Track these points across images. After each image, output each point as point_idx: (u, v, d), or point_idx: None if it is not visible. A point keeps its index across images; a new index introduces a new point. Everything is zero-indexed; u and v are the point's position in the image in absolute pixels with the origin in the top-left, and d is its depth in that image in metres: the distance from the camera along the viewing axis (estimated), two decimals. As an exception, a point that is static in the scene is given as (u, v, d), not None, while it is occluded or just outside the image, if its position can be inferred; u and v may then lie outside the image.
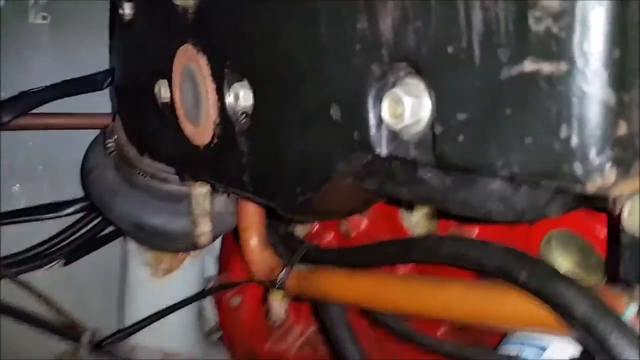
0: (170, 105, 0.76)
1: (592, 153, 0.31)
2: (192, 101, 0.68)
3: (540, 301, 0.51)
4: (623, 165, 0.31)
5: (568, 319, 0.48)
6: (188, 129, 0.71)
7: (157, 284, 1.13)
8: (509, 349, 0.69)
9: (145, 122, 0.85)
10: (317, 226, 1.07)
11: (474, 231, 0.80)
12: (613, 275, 0.53)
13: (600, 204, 0.46)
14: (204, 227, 0.89)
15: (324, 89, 0.48)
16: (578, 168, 0.31)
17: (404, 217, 0.89)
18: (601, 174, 0.31)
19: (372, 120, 0.44)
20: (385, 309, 0.72)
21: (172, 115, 0.76)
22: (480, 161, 0.36)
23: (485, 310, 0.59)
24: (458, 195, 0.43)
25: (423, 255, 0.63)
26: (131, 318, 1.16)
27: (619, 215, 0.44)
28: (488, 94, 0.35)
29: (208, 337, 1.34)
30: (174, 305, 0.86)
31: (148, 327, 1.15)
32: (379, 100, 0.44)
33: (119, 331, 0.79)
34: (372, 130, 0.45)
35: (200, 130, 0.68)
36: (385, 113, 0.42)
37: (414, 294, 0.66)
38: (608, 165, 0.31)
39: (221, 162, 0.67)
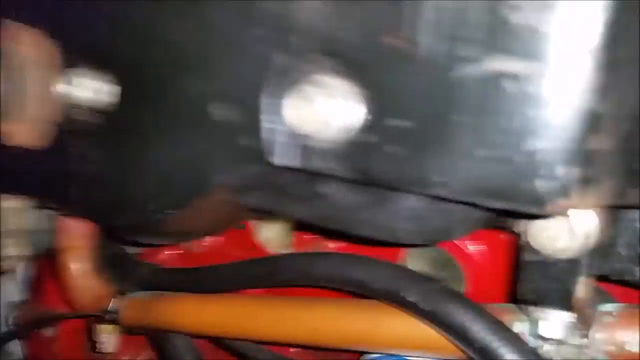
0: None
1: (560, 170, 0.26)
2: (7, 89, 0.51)
3: (430, 323, 0.46)
4: (587, 184, 0.26)
5: (463, 341, 0.43)
6: (4, 126, 0.53)
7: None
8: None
9: None
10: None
11: (330, 245, 0.74)
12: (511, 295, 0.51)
13: (503, 224, 0.42)
14: (10, 250, 0.70)
15: (204, 80, 0.37)
16: (541, 187, 0.26)
17: (258, 231, 0.80)
18: (565, 195, 0.26)
19: (266, 121, 0.35)
20: (247, 337, 0.62)
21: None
22: (414, 176, 0.29)
23: (362, 333, 0.53)
24: (364, 213, 0.36)
25: (293, 278, 0.55)
26: None
27: (520, 234, 0.41)
28: (435, 96, 0.28)
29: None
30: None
31: None
32: (276, 97, 0.34)
33: None
34: (266, 135, 0.35)
35: (20, 127, 0.51)
36: (289, 114, 0.33)
37: (280, 318, 0.58)
38: (575, 184, 0.26)
39: (45, 171, 0.51)
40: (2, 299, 0.98)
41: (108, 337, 0.73)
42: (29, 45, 0.47)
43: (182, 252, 0.90)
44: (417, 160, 0.29)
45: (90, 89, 0.45)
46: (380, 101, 0.30)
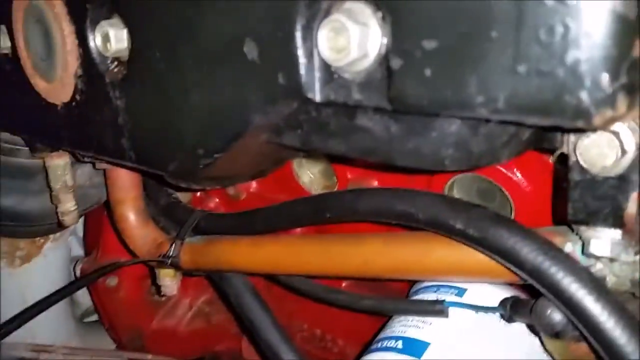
0: (12, 56, 0.59)
1: (605, 80, 0.25)
2: (43, 49, 0.53)
3: (480, 248, 0.46)
4: (633, 93, 0.25)
5: (514, 264, 0.44)
6: (40, 84, 0.55)
7: (15, 275, 0.94)
8: (424, 295, 0.66)
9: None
10: (199, 192, 0.96)
11: (374, 183, 0.75)
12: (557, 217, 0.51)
13: (548, 144, 0.42)
14: (68, 205, 0.74)
15: (234, 20, 0.37)
16: (586, 98, 0.25)
17: (299, 174, 0.81)
18: (612, 105, 0.25)
19: (302, 57, 0.35)
20: (300, 272, 0.65)
21: (16, 69, 0.59)
22: (453, 99, 0.29)
23: (413, 263, 0.54)
24: (407, 143, 0.36)
25: (340, 213, 0.56)
26: (-2, 316, 0.98)
27: (567, 154, 0.40)
28: (467, 12, 0.27)
29: (82, 321, 1.20)
30: (46, 300, 0.71)
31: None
32: (310, 31, 0.34)
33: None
34: (303, 71, 0.35)
35: (57, 85, 0.53)
36: (324, 47, 0.32)
37: (331, 253, 0.59)
38: (621, 94, 0.25)
39: (88, 124, 0.53)
40: (67, 255, 1.03)
41: (171, 281, 0.77)
42: (59, 1, 0.48)
43: (229, 199, 0.93)
44: (454, 81, 0.29)
45: (122, 39, 0.46)
46: (407, 23, 0.30)
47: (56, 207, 0.73)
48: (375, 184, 0.74)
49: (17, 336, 0.95)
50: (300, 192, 0.81)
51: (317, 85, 0.35)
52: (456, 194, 0.69)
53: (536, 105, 0.27)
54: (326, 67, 0.35)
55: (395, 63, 0.31)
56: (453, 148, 0.35)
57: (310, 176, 0.82)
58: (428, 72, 0.30)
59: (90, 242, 1.09)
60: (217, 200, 0.96)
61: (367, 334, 0.88)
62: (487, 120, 0.32)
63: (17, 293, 0.97)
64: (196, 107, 0.43)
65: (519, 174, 0.63)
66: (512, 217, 0.63)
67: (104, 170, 0.75)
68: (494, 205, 0.66)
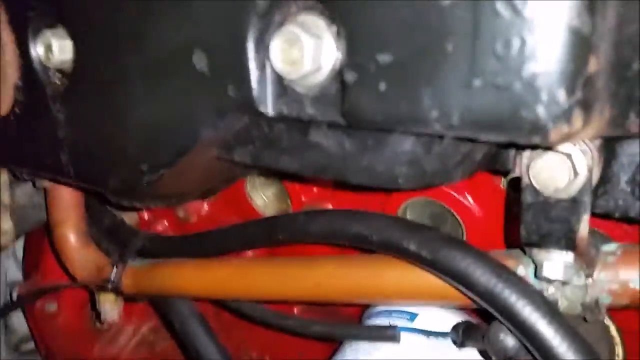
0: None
1: (561, 94, 0.24)
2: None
3: (433, 271, 0.45)
4: (589, 109, 0.25)
5: (467, 287, 0.43)
6: (-26, 96, 0.52)
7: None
8: (378, 320, 0.65)
9: None
10: (146, 214, 0.92)
11: (328, 206, 0.74)
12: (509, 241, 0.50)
13: (500, 166, 0.42)
14: (4, 225, 0.69)
15: (183, 30, 0.35)
16: (542, 113, 0.25)
17: (252, 197, 0.79)
18: (568, 120, 0.25)
19: (254, 69, 0.33)
20: (250, 296, 0.62)
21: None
22: (407, 114, 0.28)
23: (366, 286, 0.53)
24: (361, 161, 0.35)
25: (293, 235, 0.54)
26: None
27: (519, 177, 0.40)
28: (421, 25, 0.26)
29: (17, 349, 1.12)
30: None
31: None
32: (262, 43, 0.33)
33: None
34: (255, 83, 0.34)
35: (-5, 96, 0.50)
36: (277, 58, 0.31)
37: (282, 276, 0.57)
38: (577, 109, 0.25)
39: (26, 139, 0.50)
40: (3, 278, 0.97)
41: (111, 306, 0.73)
42: None
43: (178, 222, 0.89)
44: (409, 96, 0.28)
45: (66, 50, 0.44)
46: (361, 36, 0.29)
47: (-10, 227, 0.68)
48: (330, 207, 0.73)
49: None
50: (253, 215, 0.78)
51: (270, 99, 0.34)
52: (409, 217, 0.69)
53: (492, 121, 0.26)
54: (279, 80, 0.33)
55: (350, 77, 0.30)
56: (407, 166, 0.34)
57: (263, 199, 0.80)
58: (382, 86, 0.29)
59: (29, 265, 1.03)
60: (166, 223, 0.93)
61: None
62: (441, 138, 0.31)
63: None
64: (141, 120, 0.40)
65: (469, 198, 0.63)
66: (463, 240, 0.63)
67: (44, 189, 0.71)
68: (445, 229, 0.66)
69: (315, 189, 0.73)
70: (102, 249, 0.76)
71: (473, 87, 0.26)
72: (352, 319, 0.79)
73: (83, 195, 0.73)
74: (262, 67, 0.34)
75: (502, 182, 0.59)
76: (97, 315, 0.74)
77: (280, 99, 0.34)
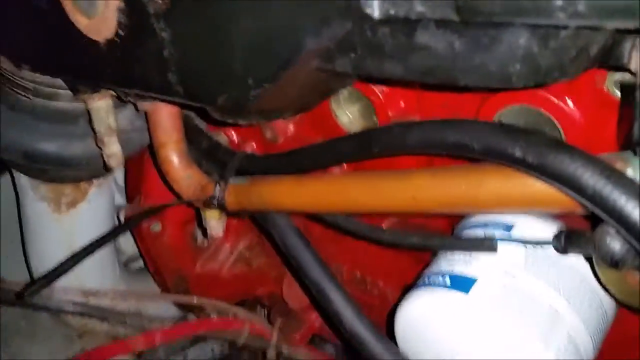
0: (52, -5, 0.58)
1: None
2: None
3: (539, 176, 0.45)
4: None
5: (575, 190, 0.42)
6: (81, 21, 0.55)
7: (61, 220, 0.97)
8: (472, 232, 0.65)
9: (16, 24, 0.66)
10: (235, 136, 0.96)
11: (417, 118, 0.73)
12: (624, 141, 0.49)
13: (614, 61, 0.39)
14: (113, 147, 0.74)
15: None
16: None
17: (338, 115, 0.80)
18: None
19: (360, -30, 0.33)
20: (345, 210, 0.64)
21: (54, 7, 0.58)
22: (529, 3, 0.27)
23: (465, 196, 0.53)
24: (472, 60, 0.34)
25: (388, 147, 0.55)
26: (40, 261, 1.01)
27: (635, 73, 0.38)
28: None
29: (127, 267, 1.23)
30: (93, 244, 0.72)
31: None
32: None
33: (37, 280, 0.65)
34: (361, -15, 0.34)
35: (99, 21, 0.52)
36: (385, -44, 0.31)
37: (378, 190, 0.58)
38: None
39: (132, 60, 0.52)
40: (111, 201, 1.05)
41: (217, 222, 0.78)
42: None
43: (266, 143, 0.92)
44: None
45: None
46: None
47: (101, 150, 0.74)
48: (418, 119, 0.72)
49: (66, 283, 0.99)
50: (339, 133, 0.79)
51: (376, 0, 0.34)
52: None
53: (620, 5, 0.25)
54: (387, -19, 0.33)
55: (465, -32, 0.29)
56: (521, 63, 0.33)
57: (349, 116, 0.80)
58: (502, -26, 0.28)
59: (132, 189, 1.11)
60: (254, 144, 0.96)
61: (408, 276, 0.89)
62: (561, 28, 0.30)
63: (64, 239, 0.99)
64: (245, 35, 0.41)
65: (570, 102, 0.60)
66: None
67: (146, 112, 0.75)
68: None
69: (402, 103, 0.73)
70: (203, 169, 0.80)
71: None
72: (442, 233, 0.80)
73: (181, 119, 0.77)
74: (369, -32, 0.33)
75: (606, 84, 0.56)
76: (204, 231, 0.80)
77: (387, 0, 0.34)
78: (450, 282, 0.59)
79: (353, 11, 0.34)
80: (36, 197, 0.93)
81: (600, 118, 0.57)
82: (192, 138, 0.82)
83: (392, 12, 0.33)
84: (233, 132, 0.96)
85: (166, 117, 0.74)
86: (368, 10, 0.34)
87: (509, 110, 0.64)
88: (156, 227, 1.05)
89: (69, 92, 0.73)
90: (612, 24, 0.26)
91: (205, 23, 0.44)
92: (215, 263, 1.13)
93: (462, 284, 0.59)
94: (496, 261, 0.59)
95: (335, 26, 0.36)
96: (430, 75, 0.36)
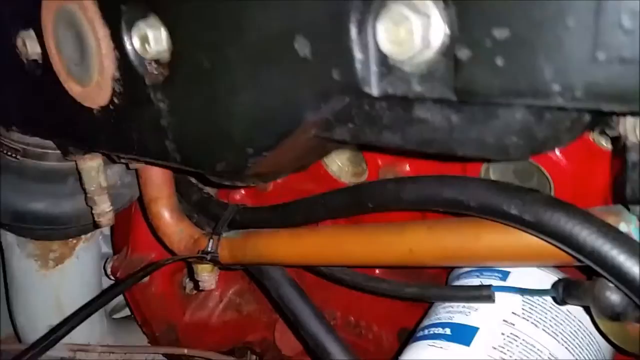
0: (43, 62, 0.59)
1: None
2: (76, 54, 0.52)
3: (535, 233, 0.46)
4: None
5: (571, 247, 0.43)
6: (75, 89, 0.55)
7: (48, 276, 0.95)
8: (468, 280, 0.66)
9: (7, 88, 0.66)
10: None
11: (406, 169, 0.74)
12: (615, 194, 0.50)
13: (604, 126, 0.41)
14: (103, 206, 0.74)
15: (284, 16, 0.36)
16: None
17: (327, 163, 0.81)
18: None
19: (358, 52, 0.34)
20: (342, 263, 0.65)
21: (48, 74, 0.59)
22: (527, 88, 0.28)
23: (461, 249, 0.54)
24: (469, 133, 0.35)
25: (382, 203, 0.56)
26: (27, 318, 0.99)
27: (625, 134, 0.39)
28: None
29: (112, 317, 1.21)
30: (85, 307, 0.71)
31: (49, 327, 0.99)
32: (364, 24, 0.33)
33: (30, 347, 0.64)
34: (359, 65, 0.34)
35: (93, 89, 0.53)
36: (383, 40, 0.32)
37: (375, 243, 0.59)
38: None
39: (128, 127, 0.53)
40: (98, 254, 1.04)
41: (209, 275, 0.77)
42: (90, 2, 0.48)
43: (255, 192, 0.92)
44: (529, 70, 0.28)
45: (161, 40, 0.45)
46: (474, 12, 0.29)
47: (91, 209, 0.73)
48: (407, 169, 0.74)
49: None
50: (328, 180, 0.80)
51: (374, 80, 0.35)
52: (492, 176, 0.69)
53: (616, 93, 0.26)
54: (383, 61, 0.34)
55: (463, 54, 0.30)
56: (517, 136, 0.34)
57: (338, 164, 0.81)
58: (500, 61, 0.29)
59: (118, 240, 1.10)
60: (243, 192, 0.96)
61: (402, 319, 0.89)
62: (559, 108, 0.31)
63: (51, 295, 0.98)
64: (245, 107, 0.42)
65: (557, 152, 0.62)
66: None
67: (137, 170, 0.74)
68: (532, 185, 0.65)
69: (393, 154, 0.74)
70: (194, 222, 0.80)
71: (597, 61, 0.26)
72: (435, 279, 0.81)
73: (172, 173, 0.77)
74: (365, 49, 0.34)
75: (592, 135, 0.58)
76: (196, 284, 0.79)
77: (385, 78, 0.34)
78: (451, 332, 0.60)
79: (352, 89, 0.35)
80: (23, 255, 0.92)
81: (588, 167, 0.58)
82: (183, 191, 0.82)
83: (390, 91, 0.34)
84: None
85: (157, 173, 0.74)
86: (366, 89, 0.35)
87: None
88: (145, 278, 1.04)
89: (58, 152, 0.73)
90: (609, 108, 0.28)
91: (204, 95, 0.44)
92: (205, 311, 1.12)
93: (463, 334, 0.59)
94: (495, 309, 0.59)
95: (334, 101, 0.37)
96: (427, 145, 0.37)
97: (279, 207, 0.70)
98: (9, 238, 0.92)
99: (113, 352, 1.04)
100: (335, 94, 0.36)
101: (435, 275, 0.81)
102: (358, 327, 0.95)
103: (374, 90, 0.35)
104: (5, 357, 0.94)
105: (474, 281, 0.64)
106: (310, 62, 0.36)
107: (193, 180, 0.88)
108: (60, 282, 0.96)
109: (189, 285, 1.09)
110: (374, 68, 0.34)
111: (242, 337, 1.16)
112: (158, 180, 0.75)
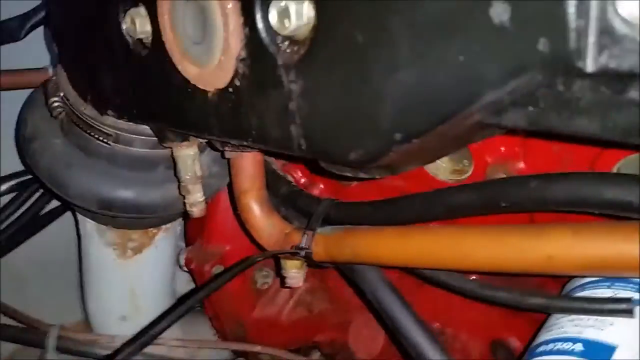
0: (153, 42, 0.54)
1: None
2: (196, 31, 0.48)
3: None
4: None
5: None
6: (191, 70, 0.50)
7: (126, 265, 0.92)
8: (595, 292, 0.59)
9: (108, 71, 0.63)
10: (302, 177, 0.91)
11: (520, 166, 0.67)
12: None
13: None
14: (197, 195, 0.70)
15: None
16: None
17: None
18: None
19: (571, 15, 0.28)
20: (458, 267, 0.58)
21: (155, 55, 0.54)
22: None
23: (613, 256, 0.47)
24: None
25: (521, 203, 0.49)
26: (99, 305, 0.97)
27: None
28: None
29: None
30: (191, 295, 0.67)
31: (121, 317, 0.96)
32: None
33: (126, 343, 0.60)
34: (573, 35, 0.28)
35: (213, 70, 0.48)
36: (624, 2, 0.26)
37: (504, 247, 0.52)
38: None
39: (247, 111, 0.48)
40: (175, 243, 1.01)
41: (297, 272, 0.72)
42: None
43: (336, 186, 0.87)
44: None
45: (303, 14, 0.40)
46: None
47: (184, 198, 0.69)
48: (522, 166, 0.67)
49: (127, 330, 0.94)
50: (423, 178, 0.73)
51: (591, 52, 0.28)
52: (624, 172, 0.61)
53: None
54: (607, 29, 0.28)
55: None
56: None
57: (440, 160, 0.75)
58: None
59: (192, 231, 1.07)
60: (322, 186, 0.91)
61: (496, 329, 0.82)
62: None
63: (126, 283, 0.95)
64: (402, 86, 0.36)
65: None
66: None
67: (229, 159, 0.70)
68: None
69: (503, 148, 0.67)
70: (281, 216, 0.75)
71: None
72: (538, 287, 0.74)
73: (263, 165, 0.72)
74: (586, 14, 0.28)
75: None
76: (282, 280, 0.74)
77: (605, 51, 0.28)
78: (584, 348, 0.53)
79: (559, 63, 0.29)
80: (102, 243, 0.89)
81: None
82: (270, 183, 0.77)
83: (612, 65, 0.28)
84: (300, 173, 0.91)
85: (250, 163, 0.70)
86: (579, 64, 0.28)
87: (629, 160, 0.59)
88: (218, 270, 1.01)
89: (149, 138, 0.69)
90: None
91: (350, 74, 0.39)
92: (274, 307, 1.08)
93: (598, 352, 0.52)
94: (634, 325, 0.52)
95: (525, 78, 0.31)
96: (635, 135, 0.31)
97: (382, 203, 0.65)
98: (89, 225, 0.89)
99: (184, 346, 1.00)
100: (532, 69, 0.30)
101: (540, 284, 0.74)
102: (443, 334, 0.89)
103: (589, 64, 0.28)
104: (67, 345, 0.90)
105: (605, 292, 0.57)
106: (507, 31, 0.30)
107: (281, 172, 0.83)
108: (136, 272, 0.93)
109: (261, 280, 1.05)
110: (592, 38, 0.28)
111: (311, 337, 1.11)
112: (250, 172, 0.70)
